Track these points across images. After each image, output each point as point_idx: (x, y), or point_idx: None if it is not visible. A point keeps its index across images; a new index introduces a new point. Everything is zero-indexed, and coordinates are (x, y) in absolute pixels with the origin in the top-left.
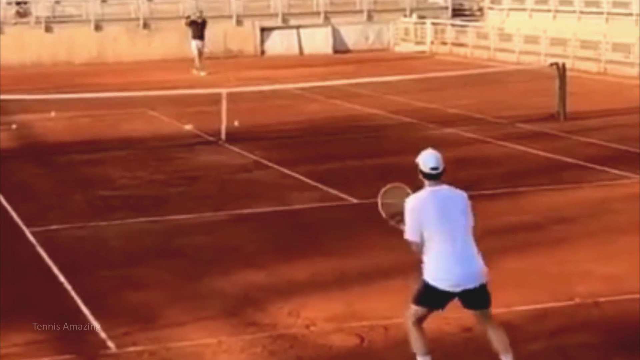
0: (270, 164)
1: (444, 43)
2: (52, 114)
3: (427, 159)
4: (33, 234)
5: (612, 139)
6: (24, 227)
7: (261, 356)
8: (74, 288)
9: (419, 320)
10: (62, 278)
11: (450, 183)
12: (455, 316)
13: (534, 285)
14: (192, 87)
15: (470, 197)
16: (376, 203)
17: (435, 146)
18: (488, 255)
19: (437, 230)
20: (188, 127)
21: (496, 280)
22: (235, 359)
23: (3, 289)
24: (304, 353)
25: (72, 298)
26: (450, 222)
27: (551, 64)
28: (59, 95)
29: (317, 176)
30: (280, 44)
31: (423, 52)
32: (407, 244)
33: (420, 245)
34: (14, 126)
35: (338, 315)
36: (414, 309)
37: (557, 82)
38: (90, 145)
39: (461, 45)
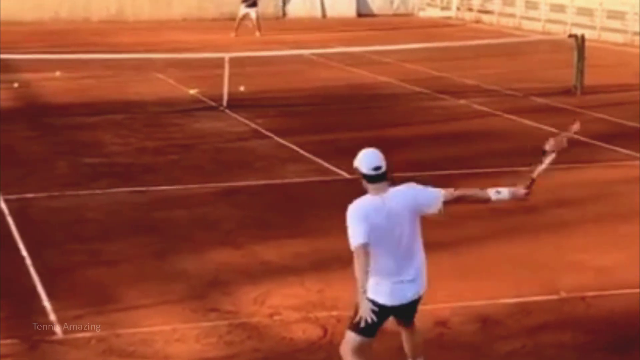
0: (268, 133)
1: (470, 9)
2: (57, 73)
3: (368, 160)
4: (6, 201)
5: (627, 116)
6: None
7: (216, 347)
8: (34, 263)
9: (362, 349)
10: (24, 251)
11: (449, 159)
12: (428, 308)
13: (518, 276)
14: (207, 49)
15: (466, 175)
16: None
17: (442, 118)
18: (474, 240)
19: (383, 243)
20: (192, 91)
21: (480, 268)
22: (187, 349)
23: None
24: (261, 345)
25: (29, 274)
26: (399, 232)
27: (570, 35)
28: (65, 56)
29: (313, 148)
30: (302, 6)
31: (449, 17)
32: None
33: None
34: (15, 84)
35: (306, 303)
36: (356, 340)
37: (575, 54)
38: (88, 108)
39: (487, 12)
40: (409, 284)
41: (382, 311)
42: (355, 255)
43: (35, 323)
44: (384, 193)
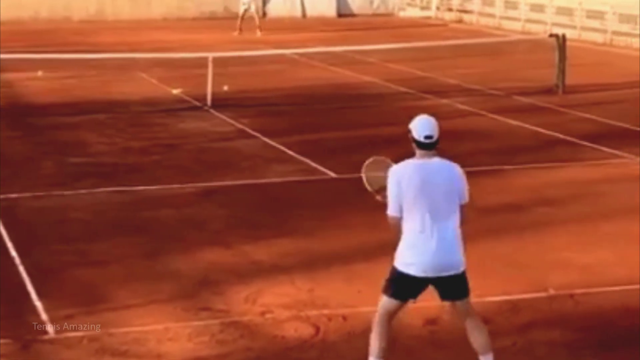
0: (253, 133)
1: (450, 9)
2: (39, 73)
3: (422, 126)
4: None
5: (610, 115)
6: None
7: (208, 346)
8: (23, 262)
9: (390, 316)
10: (13, 251)
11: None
12: (418, 307)
13: (505, 274)
14: (188, 49)
15: None
16: (354, 178)
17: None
18: (463, 239)
19: (415, 206)
20: (176, 91)
21: (467, 266)
22: (180, 348)
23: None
24: (253, 343)
25: (19, 274)
26: (431, 199)
27: (551, 35)
28: (47, 55)
29: (299, 147)
30: (282, 6)
31: (428, 17)
32: (386, 222)
33: (401, 224)
34: None
35: (297, 302)
36: (385, 301)
37: (556, 54)
38: (71, 108)
39: (467, 12)
40: (442, 256)
41: (411, 280)
42: (390, 220)
43: (28, 322)
44: (429, 161)
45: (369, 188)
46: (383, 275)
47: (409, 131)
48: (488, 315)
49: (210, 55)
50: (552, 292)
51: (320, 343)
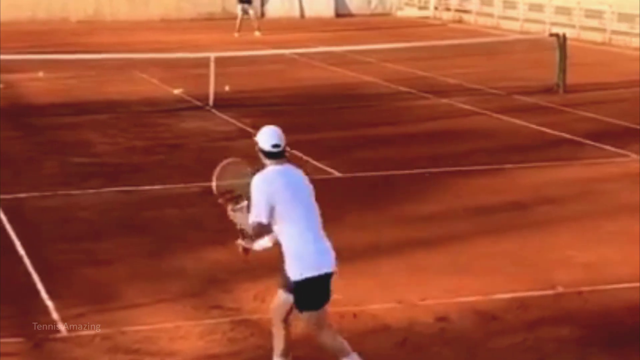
0: (255, 132)
1: (448, 9)
2: (40, 74)
3: (268, 136)
4: None
5: (611, 114)
6: None
7: (220, 343)
8: (32, 262)
9: (326, 323)
10: (21, 250)
11: (435, 157)
12: (427, 304)
13: (513, 272)
14: (186, 49)
15: (456, 173)
16: (359, 177)
17: (427, 118)
18: (465, 238)
19: (294, 211)
20: (177, 91)
21: (473, 264)
22: (192, 346)
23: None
24: (265, 341)
25: (28, 273)
26: (303, 202)
27: (551, 34)
28: (48, 56)
29: (301, 147)
30: (281, 6)
31: (426, 17)
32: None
33: (265, 229)
34: (0, 85)
35: None
36: (314, 315)
37: (557, 53)
38: (74, 108)
39: (465, 11)
40: (327, 253)
41: (322, 279)
42: (253, 226)
43: (40, 321)
44: (285, 167)
45: (214, 189)
46: (392, 273)
47: (256, 143)
48: (496, 313)
49: (213, 55)
50: (559, 289)
51: None
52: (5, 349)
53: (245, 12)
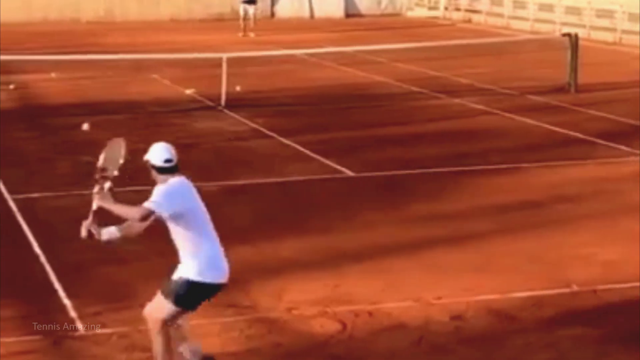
0: (268, 132)
1: (458, 9)
2: (53, 74)
3: (160, 152)
4: (15, 201)
5: (623, 114)
6: (6, 194)
7: (237, 341)
8: (49, 261)
9: (169, 326)
10: (38, 250)
11: (449, 157)
12: (443, 302)
13: (529, 270)
14: (197, 49)
15: (470, 172)
16: (372, 177)
17: (439, 117)
18: (481, 236)
19: (200, 219)
20: (189, 91)
21: (490, 263)
22: (210, 344)
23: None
24: (282, 339)
25: (45, 272)
26: (204, 212)
27: (564, 34)
28: (60, 57)
29: (315, 146)
30: (290, 6)
31: (436, 17)
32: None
33: (146, 220)
34: (12, 86)
35: (322, 298)
36: (174, 310)
37: (569, 53)
38: (86, 109)
39: (475, 12)
40: (225, 262)
41: (214, 288)
42: (141, 211)
43: (58, 319)
44: (184, 179)
45: (99, 163)
46: (407, 272)
47: (147, 162)
48: (513, 311)
49: (225, 55)
50: (576, 288)
51: (348, 339)
52: (25, 346)
53: (246, 12)
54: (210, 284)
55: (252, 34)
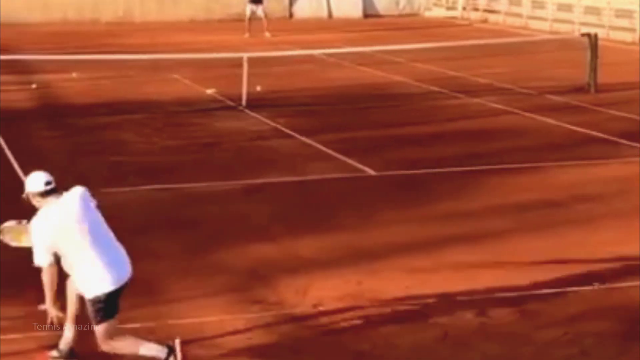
0: (289, 132)
1: (476, 9)
2: (74, 74)
3: (37, 178)
4: None
5: None
6: None
7: (264, 336)
8: None
9: (120, 330)
10: None
11: (470, 156)
12: (468, 299)
13: (551, 268)
14: (216, 50)
15: (490, 172)
16: (394, 176)
17: (459, 117)
18: (505, 234)
19: (78, 239)
20: (209, 91)
21: (513, 261)
22: (237, 339)
23: (2, 257)
24: (308, 334)
25: None
26: (91, 224)
27: (583, 34)
28: (81, 56)
29: (336, 145)
30: (309, 6)
31: (454, 17)
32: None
33: (53, 267)
34: (33, 86)
35: (346, 294)
36: (111, 324)
37: (588, 53)
38: (108, 108)
39: (493, 12)
40: (119, 266)
41: (112, 295)
42: (43, 272)
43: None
44: (61, 199)
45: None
46: (431, 269)
47: (27, 195)
48: (537, 308)
49: (245, 55)
50: (597, 285)
51: (373, 334)
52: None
53: (253, 12)
54: (112, 291)
55: (267, 34)
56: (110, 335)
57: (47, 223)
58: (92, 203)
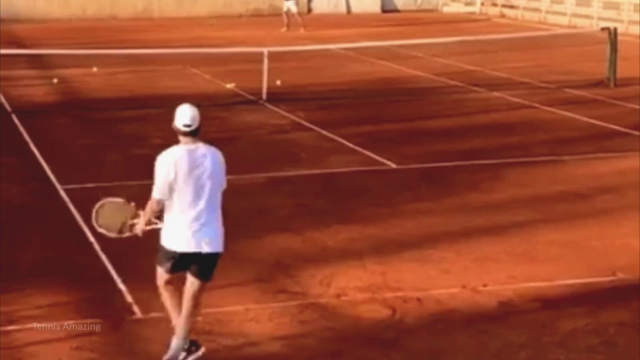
0: (309, 125)
1: (495, 4)
2: (94, 69)
3: (180, 115)
4: (66, 191)
5: None
6: (57, 185)
7: (290, 325)
8: (103, 249)
9: (168, 282)
10: (92, 238)
11: (491, 149)
12: (491, 289)
13: (574, 259)
14: (235, 45)
15: (511, 164)
16: (415, 169)
17: (479, 110)
18: (527, 226)
19: (182, 189)
20: (229, 85)
21: (535, 252)
22: (262, 328)
23: (30, 248)
24: (333, 323)
25: (100, 259)
26: (196, 182)
27: (603, 29)
28: (101, 51)
29: (357, 139)
30: (327, 2)
31: (472, 13)
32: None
33: (162, 205)
34: (55, 80)
35: (371, 285)
36: (159, 272)
37: (608, 48)
38: (129, 103)
39: (512, 7)
40: (205, 234)
41: (177, 256)
42: (153, 202)
43: (116, 304)
44: (194, 147)
45: (111, 235)
46: (455, 260)
47: (174, 119)
48: (559, 298)
49: (266, 50)
50: (620, 275)
51: (398, 324)
52: (86, 329)
53: (288, 9)
54: (168, 249)
55: (302, 29)
56: (159, 280)
57: (168, 158)
58: (221, 172)
